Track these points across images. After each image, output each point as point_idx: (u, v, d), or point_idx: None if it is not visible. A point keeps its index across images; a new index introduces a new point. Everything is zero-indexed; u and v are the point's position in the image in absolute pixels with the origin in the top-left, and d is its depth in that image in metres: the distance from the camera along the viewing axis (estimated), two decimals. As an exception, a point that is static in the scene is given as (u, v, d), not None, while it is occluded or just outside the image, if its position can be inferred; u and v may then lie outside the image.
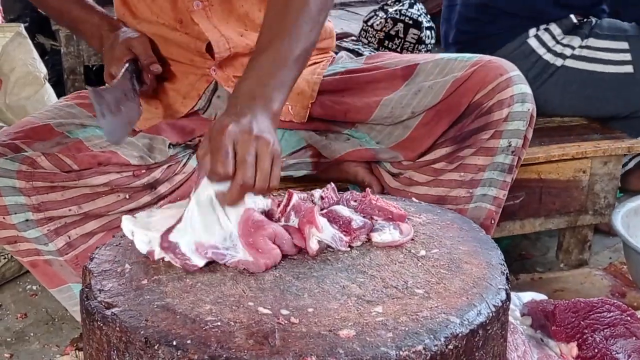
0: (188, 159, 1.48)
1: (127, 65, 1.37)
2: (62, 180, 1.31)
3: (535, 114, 1.41)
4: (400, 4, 2.55)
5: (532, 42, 2.16)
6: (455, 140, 1.41)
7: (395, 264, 1.03)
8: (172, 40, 1.45)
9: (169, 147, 1.44)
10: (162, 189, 1.43)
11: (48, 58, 3.42)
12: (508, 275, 1.02)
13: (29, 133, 1.35)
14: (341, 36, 2.61)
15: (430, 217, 1.19)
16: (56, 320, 1.92)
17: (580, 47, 2.14)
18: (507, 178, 1.43)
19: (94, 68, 3.41)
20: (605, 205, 2.08)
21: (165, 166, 1.43)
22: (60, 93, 2.78)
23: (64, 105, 1.46)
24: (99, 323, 0.90)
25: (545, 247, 2.32)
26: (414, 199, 1.30)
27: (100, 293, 0.94)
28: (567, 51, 2.13)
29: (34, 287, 2.06)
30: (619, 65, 2.13)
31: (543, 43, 2.15)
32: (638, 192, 2.12)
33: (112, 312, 0.90)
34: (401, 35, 2.50)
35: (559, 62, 2.13)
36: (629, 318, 1.35)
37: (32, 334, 1.87)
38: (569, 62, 2.13)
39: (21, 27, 2.51)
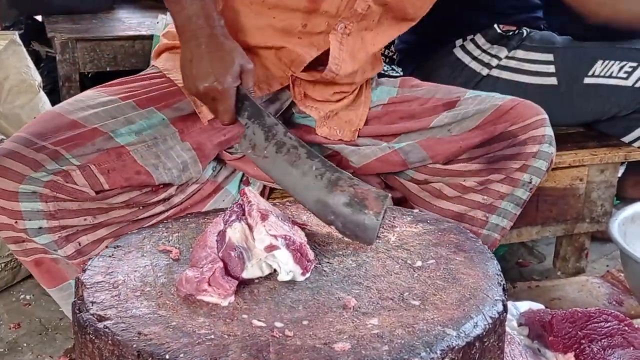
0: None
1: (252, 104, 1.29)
2: (85, 199, 1.29)
3: (554, 160, 1.52)
4: None
5: (457, 52, 2.15)
6: (486, 159, 1.48)
7: (391, 275, 1.02)
8: (283, 39, 1.43)
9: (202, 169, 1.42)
10: (175, 199, 1.42)
11: (43, 65, 3.40)
12: (505, 286, 1.02)
13: (74, 138, 1.29)
14: None
15: (426, 227, 1.18)
16: (50, 330, 1.90)
17: (507, 57, 2.11)
18: (518, 212, 1.52)
19: (90, 75, 3.39)
20: (602, 213, 2.08)
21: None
22: (55, 101, 2.75)
23: (107, 100, 1.37)
24: (91, 336, 0.89)
25: (542, 255, 2.32)
26: (416, 210, 1.30)
27: (92, 305, 0.93)
28: (494, 61, 2.11)
29: (28, 297, 2.04)
30: (543, 77, 2.09)
31: (468, 52, 2.14)
32: (633, 200, 2.11)
33: (104, 325, 0.89)
34: None
35: (484, 71, 2.10)
36: (626, 328, 1.35)
37: (25, 344, 1.85)
38: (495, 72, 2.10)
39: (15, 35, 2.50)
